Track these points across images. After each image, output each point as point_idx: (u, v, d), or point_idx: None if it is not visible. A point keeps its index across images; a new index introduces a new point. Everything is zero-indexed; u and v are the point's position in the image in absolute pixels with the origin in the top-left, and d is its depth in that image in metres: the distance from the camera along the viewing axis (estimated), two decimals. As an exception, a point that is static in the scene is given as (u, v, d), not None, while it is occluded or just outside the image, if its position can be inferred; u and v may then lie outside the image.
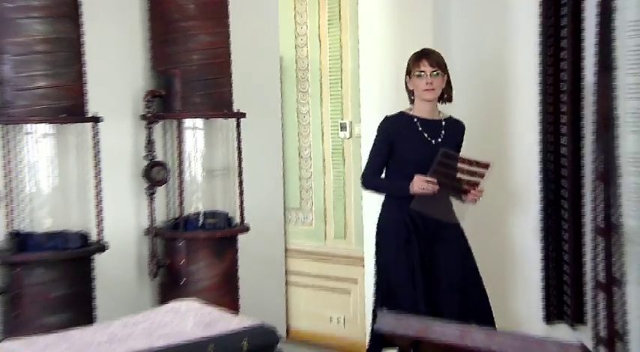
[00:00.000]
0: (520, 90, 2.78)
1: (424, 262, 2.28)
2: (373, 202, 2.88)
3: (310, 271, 3.58)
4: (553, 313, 2.50)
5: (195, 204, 2.40)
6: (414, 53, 2.36)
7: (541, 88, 2.57)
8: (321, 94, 3.66)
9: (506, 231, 2.85)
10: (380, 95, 3.16)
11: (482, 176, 2.16)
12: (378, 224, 2.43)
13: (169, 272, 2.28)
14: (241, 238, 2.40)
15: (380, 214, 2.44)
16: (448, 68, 2.35)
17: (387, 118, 2.42)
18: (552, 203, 2.46)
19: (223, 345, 1.35)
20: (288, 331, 3.14)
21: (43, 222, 2.10)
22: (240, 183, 2.44)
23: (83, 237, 2.10)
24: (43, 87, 2.00)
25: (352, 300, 3.47)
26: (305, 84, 3.71)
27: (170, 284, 2.29)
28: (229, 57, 2.35)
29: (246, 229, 2.40)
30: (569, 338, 2.28)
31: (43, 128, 2.08)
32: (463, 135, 2.40)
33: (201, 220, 2.35)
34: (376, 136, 2.45)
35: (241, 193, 2.44)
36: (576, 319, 2.36)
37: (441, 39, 3.06)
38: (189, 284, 2.24)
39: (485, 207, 2.59)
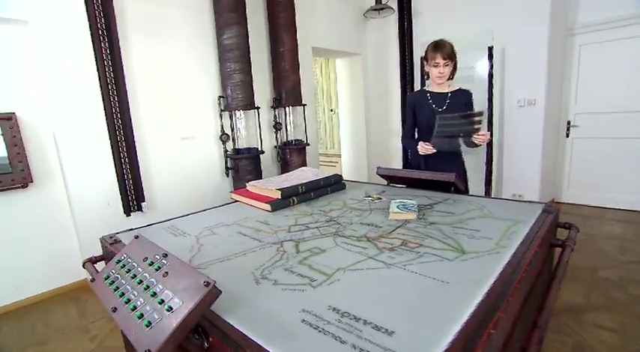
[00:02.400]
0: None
1: None
2: (345, 136, 4.85)
3: (323, 159, 5.50)
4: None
5: (290, 136, 3.95)
6: (432, 44, 2.13)
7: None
8: (323, 100, 5.60)
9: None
10: (343, 98, 4.99)
11: (480, 122, 2.08)
12: (404, 164, 2.48)
13: (283, 160, 3.92)
14: (307, 148, 4.01)
15: (409, 158, 2.48)
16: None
17: (409, 94, 2.37)
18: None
19: (325, 180, 1.94)
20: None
21: (243, 143, 3.52)
22: (305, 129, 3.95)
23: (255, 148, 3.55)
24: (240, 97, 3.39)
25: (337, 169, 5.39)
26: (319, 96, 5.59)
27: (283, 164, 3.93)
28: (300, 85, 3.88)
29: (307, 144, 3.98)
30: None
31: (240, 113, 3.45)
32: (471, 98, 2.20)
33: (293, 142, 3.91)
34: (406, 107, 2.44)
35: (305, 132, 3.96)
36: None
37: (361, 80, 4.63)
38: (290, 165, 3.84)
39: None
